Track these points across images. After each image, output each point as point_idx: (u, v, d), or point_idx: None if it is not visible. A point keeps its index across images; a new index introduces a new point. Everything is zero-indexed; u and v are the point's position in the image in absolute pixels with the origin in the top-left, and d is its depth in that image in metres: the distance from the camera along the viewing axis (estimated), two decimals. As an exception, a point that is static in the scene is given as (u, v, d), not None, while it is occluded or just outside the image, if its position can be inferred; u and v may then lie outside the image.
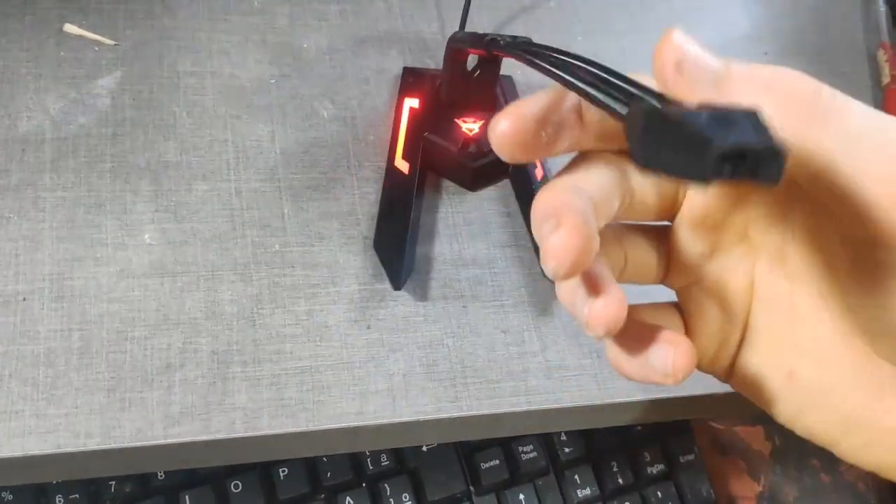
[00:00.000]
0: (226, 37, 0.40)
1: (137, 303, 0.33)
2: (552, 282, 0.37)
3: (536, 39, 0.32)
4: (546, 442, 0.48)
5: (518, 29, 0.45)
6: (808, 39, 0.52)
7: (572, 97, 0.22)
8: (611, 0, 0.49)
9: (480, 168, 0.38)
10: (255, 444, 0.32)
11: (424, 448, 0.45)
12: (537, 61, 0.23)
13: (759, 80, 0.19)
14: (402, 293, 0.36)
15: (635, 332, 0.23)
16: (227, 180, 0.36)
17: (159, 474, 0.41)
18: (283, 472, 0.42)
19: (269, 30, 0.41)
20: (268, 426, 0.32)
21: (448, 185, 0.39)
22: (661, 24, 0.49)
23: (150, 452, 0.31)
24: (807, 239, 0.23)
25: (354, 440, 0.34)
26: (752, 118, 0.17)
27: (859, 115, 0.19)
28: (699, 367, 0.26)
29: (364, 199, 0.38)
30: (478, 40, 0.34)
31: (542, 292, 0.38)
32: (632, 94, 0.19)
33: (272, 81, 0.40)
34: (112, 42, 0.38)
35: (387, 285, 0.36)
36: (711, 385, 0.38)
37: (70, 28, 0.38)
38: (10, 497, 0.40)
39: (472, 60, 0.37)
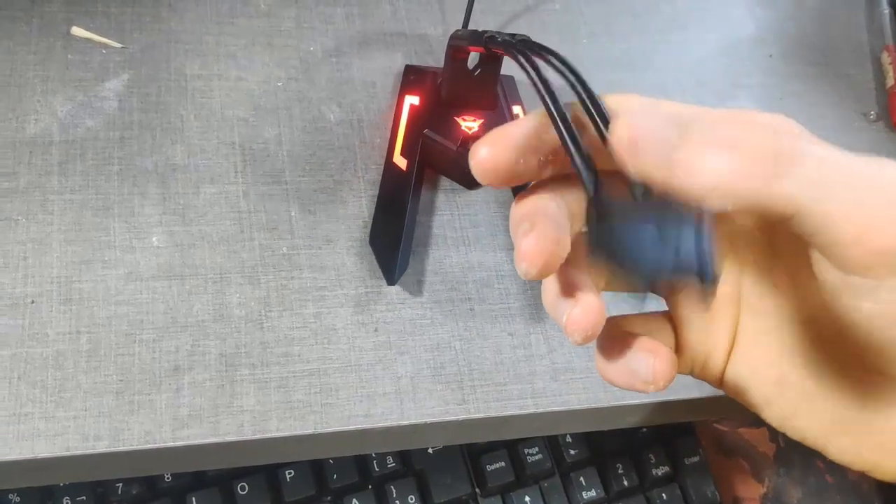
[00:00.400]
0: (233, 40, 0.40)
1: (145, 305, 0.33)
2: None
3: (541, 41, 0.32)
4: (551, 444, 0.48)
5: (522, 31, 0.45)
6: (812, 42, 0.52)
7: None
8: (615, 2, 0.49)
9: None
10: (263, 447, 0.32)
11: (430, 450, 0.45)
12: (528, 69, 0.24)
13: (720, 142, 0.19)
14: (409, 296, 0.36)
15: (620, 341, 0.23)
16: (235, 183, 0.37)
17: (166, 476, 0.41)
18: (290, 473, 0.42)
19: (275, 33, 0.41)
20: (276, 429, 0.32)
21: (450, 185, 0.40)
22: (666, 25, 0.49)
23: (158, 455, 0.31)
24: (789, 256, 0.23)
25: (362, 443, 0.34)
26: (696, 225, 0.19)
27: (818, 160, 0.19)
28: (692, 373, 0.26)
29: (371, 202, 0.38)
30: (476, 37, 0.34)
31: (548, 295, 0.38)
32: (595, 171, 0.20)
33: (279, 84, 0.40)
34: (119, 45, 0.38)
35: (394, 287, 0.36)
36: (715, 388, 0.38)
37: (78, 31, 0.38)
38: (18, 499, 0.40)
39: (473, 59, 0.38)
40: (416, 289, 0.36)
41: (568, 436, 0.48)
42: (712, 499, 0.50)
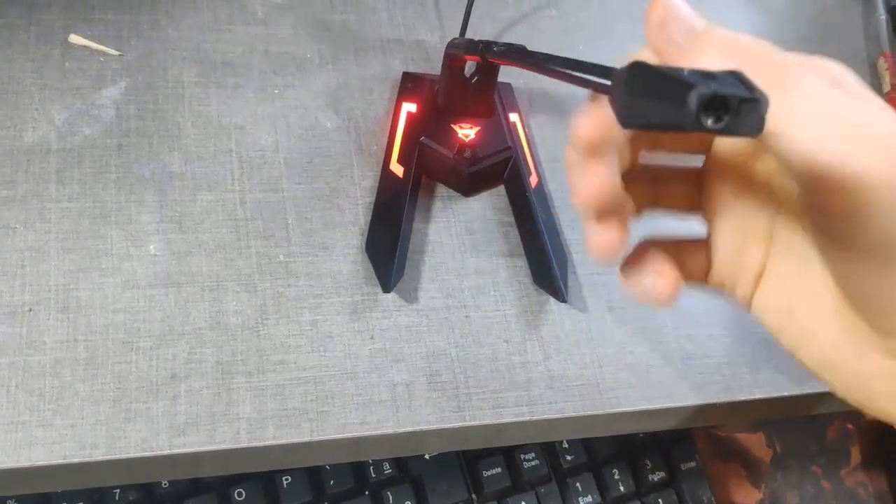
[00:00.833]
0: (230, 47, 0.40)
1: (142, 313, 0.33)
2: (552, 294, 0.37)
3: (538, 48, 0.32)
4: (548, 450, 0.48)
5: (519, 38, 0.45)
6: (809, 48, 0.52)
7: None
8: (612, 8, 0.49)
9: (475, 174, 0.38)
10: (259, 454, 0.33)
11: (427, 456, 0.45)
12: (529, 60, 0.25)
13: (734, 47, 0.22)
14: (405, 303, 0.36)
15: (640, 258, 0.27)
16: (232, 190, 0.37)
17: (163, 483, 0.41)
18: (287, 479, 0.42)
19: (272, 40, 0.41)
20: (272, 436, 0.32)
21: (447, 193, 0.40)
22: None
23: (155, 463, 0.31)
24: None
25: (358, 450, 0.34)
26: (733, 75, 0.18)
27: (812, 92, 0.21)
28: (723, 293, 0.29)
29: (368, 209, 0.38)
30: (473, 46, 0.35)
31: (543, 302, 0.38)
32: (613, 69, 0.21)
33: (276, 91, 0.40)
34: (117, 53, 0.39)
35: (390, 295, 0.36)
36: (712, 394, 0.38)
37: (75, 39, 0.38)
38: (15, 505, 0.40)
39: (470, 67, 0.38)
40: (412, 296, 0.36)
41: (564, 441, 0.48)
42: (709, 504, 0.50)
